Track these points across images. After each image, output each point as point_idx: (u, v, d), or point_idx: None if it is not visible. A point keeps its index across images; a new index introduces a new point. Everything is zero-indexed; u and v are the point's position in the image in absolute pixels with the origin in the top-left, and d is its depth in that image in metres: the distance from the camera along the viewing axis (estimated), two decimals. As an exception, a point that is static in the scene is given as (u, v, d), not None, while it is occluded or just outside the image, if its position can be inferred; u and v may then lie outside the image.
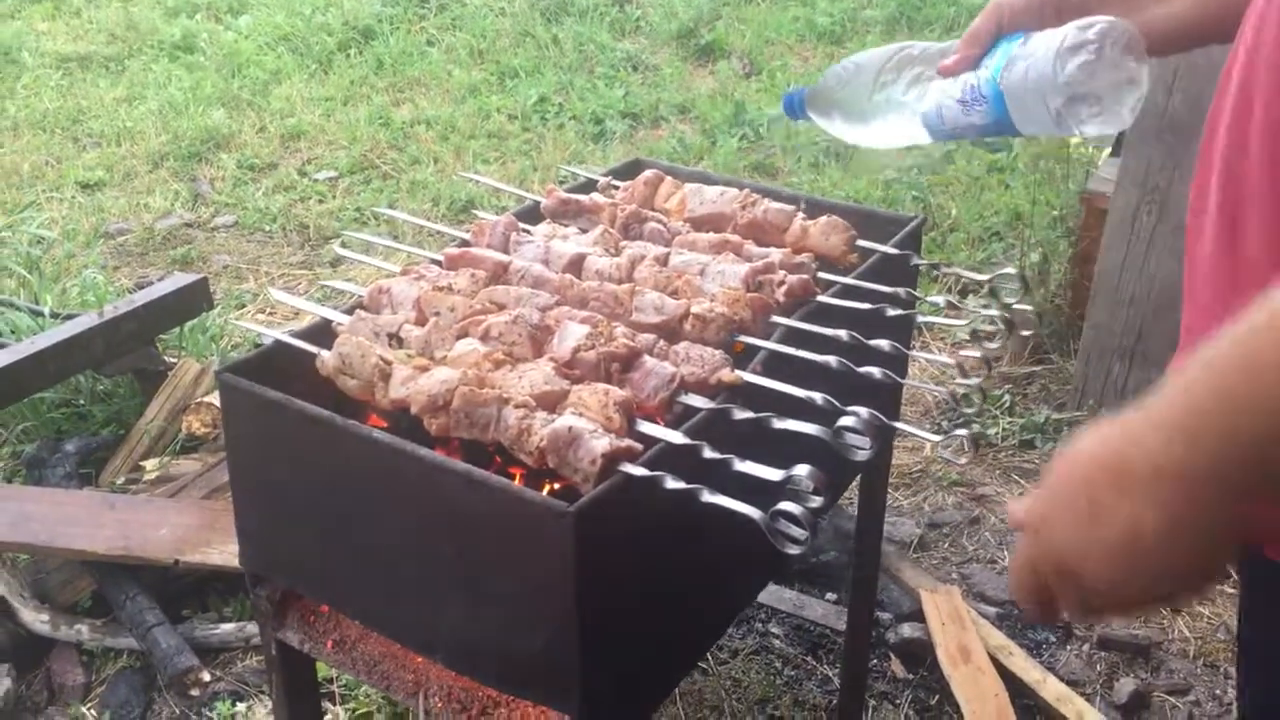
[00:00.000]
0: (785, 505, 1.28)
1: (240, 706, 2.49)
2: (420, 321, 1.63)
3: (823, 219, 1.89)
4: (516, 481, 1.57)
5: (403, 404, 1.49)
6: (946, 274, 1.85)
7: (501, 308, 1.65)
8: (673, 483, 1.32)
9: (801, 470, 1.32)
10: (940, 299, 1.71)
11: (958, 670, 2.49)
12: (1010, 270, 1.75)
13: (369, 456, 1.45)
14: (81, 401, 3.34)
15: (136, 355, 3.28)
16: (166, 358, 3.41)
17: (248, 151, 5.87)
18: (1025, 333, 1.66)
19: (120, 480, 3.11)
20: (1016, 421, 3.52)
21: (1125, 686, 2.59)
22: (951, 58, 1.50)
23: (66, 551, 2.72)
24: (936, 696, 2.55)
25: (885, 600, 2.78)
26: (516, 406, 1.42)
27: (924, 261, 1.88)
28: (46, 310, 3.42)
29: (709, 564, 1.58)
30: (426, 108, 6.39)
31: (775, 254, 1.80)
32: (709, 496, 1.31)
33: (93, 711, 2.57)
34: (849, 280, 1.78)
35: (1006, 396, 3.61)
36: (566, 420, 1.40)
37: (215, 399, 3.18)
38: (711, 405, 1.47)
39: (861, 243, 1.88)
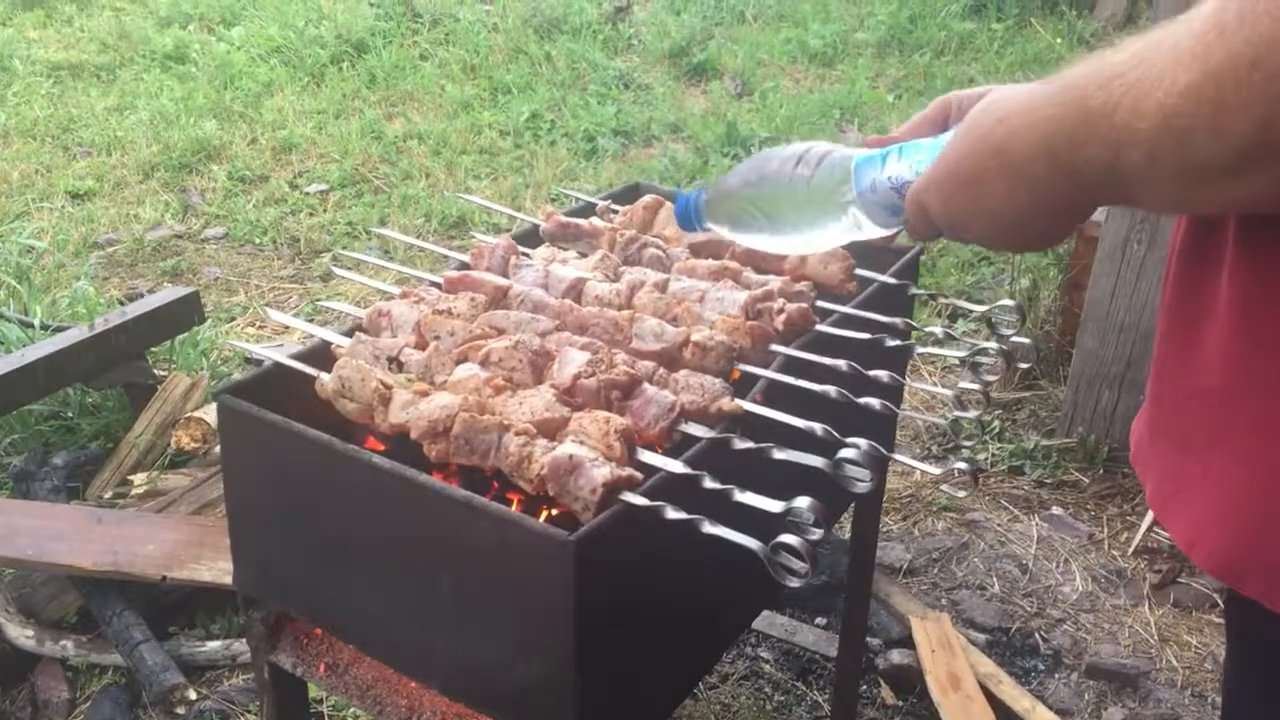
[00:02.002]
0: (786, 538, 1.27)
1: (228, 727, 2.48)
2: (420, 345, 1.63)
3: (821, 247, 1.89)
4: (514, 508, 1.57)
5: (402, 429, 1.49)
6: (943, 303, 1.86)
7: (501, 332, 1.65)
8: (673, 513, 1.32)
9: (802, 502, 1.32)
10: (939, 329, 1.72)
11: (947, 698, 2.49)
12: (1008, 302, 1.76)
13: (367, 481, 1.44)
14: (70, 414, 3.33)
15: (126, 368, 3.27)
16: (157, 371, 3.39)
17: (239, 163, 5.86)
18: (1023, 365, 1.65)
19: (108, 494, 3.09)
20: (1006, 447, 3.53)
21: (1113, 716, 2.59)
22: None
23: (53, 566, 2.70)
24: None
25: (875, 626, 2.78)
26: (517, 433, 1.42)
27: (922, 291, 1.89)
28: (36, 322, 3.41)
29: (706, 592, 1.58)
30: (419, 122, 6.39)
31: (774, 282, 1.81)
32: (710, 528, 1.31)
33: (77, 728, 2.55)
34: (848, 309, 1.79)
35: (996, 422, 3.62)
36: (567, 448, 1.39)
37: (205, 414, 3.17)
38: (712, 434, 1.48)
39: (860, 271, 1.89)
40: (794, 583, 1.29)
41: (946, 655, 2.60)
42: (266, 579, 1.67)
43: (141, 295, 4.53)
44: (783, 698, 2.61)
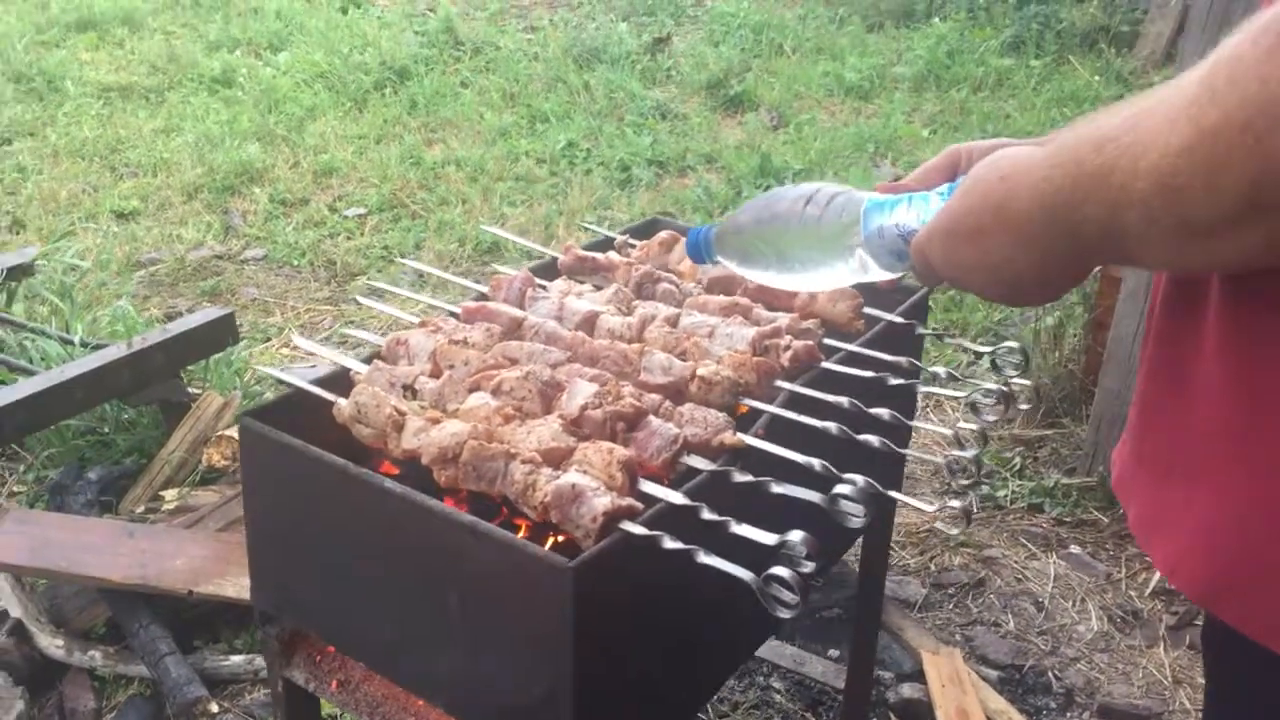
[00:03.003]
0: (777, 570, 1.31)
1: (245, 741, 2.53)
2: (435, 373, 1.69)
3: (831, 286, 1.93)
4: (522, 533, 1.61)
5: (414, 454, 1.54)
6: (954, 344, 1.89)
7: (514, 363, 1.70)
8: (670, 543, 1.36)
9: (795, 536, 1.36)
10: (941, 369, 1.75)
11: (955, 733, 2.51)
12: (1013, 344, 1.79)
13: (379, 505, 1.50)
14: (106, 430, 3.42)
15: (162, 386, 3.35)
16: (191, 390, 3.47)
17: (280, 186, 5.98)
18: (1023, 406, 1.68)
19: (140, 509, 3.17)
20: (1026, 484, 3.54)
21: (1123, 756, 2.60)
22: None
23: (84, 578, 2.77)
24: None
25: (886, 659, 2.80)
26: (523, 462, 1.47)
27: (928, 331, 1.92)
28: (76, 339, 3.50)
29: (706, 621, 1.62)
30: (457, 148, 6.49)
31: (783, 319, 1.85)
32: (704, 558, 1.35)
33: (102, 738, 2.62)
34: (853, 347, 1.82)
35: (1017, 459, 3.63)
36: (570, 477, 1.44)
37: (236, 432, 3.24)
38: (712, 467, 1.52)
39: (868, 310, 1.93)
40: (784, 614, 1.33)
41: (956, 691, 2.62)
42: (282, 596, 1.73)
43: (180, 314, 4.65)
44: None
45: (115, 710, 2.70)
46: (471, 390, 1.64)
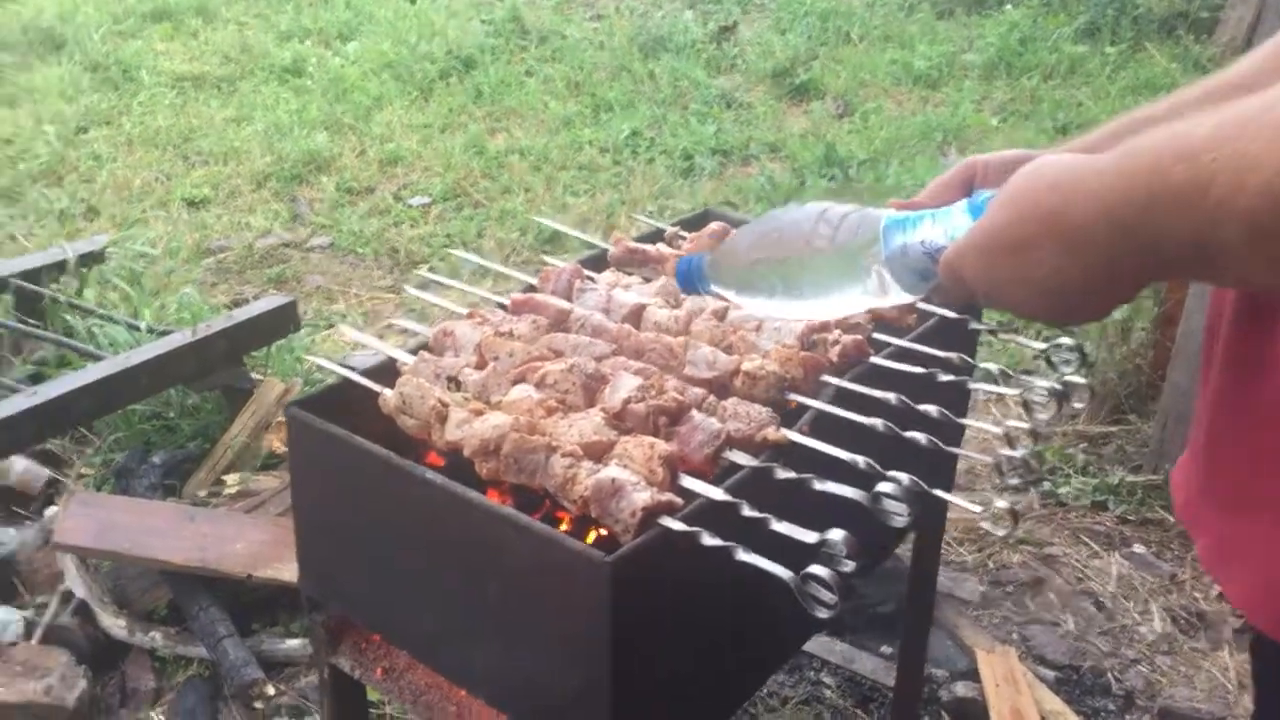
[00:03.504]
0: (815, 569, 1.30)
1: (296, 724, 2.57)
2: (481, 365, 1.69)
3: (883, 280, 1.90)
4: (564, 526, 1.62)
5: (456, 446, 1.54)
6: (1007, 339, 1.86)
7: (559, 355, 1.70)
8: (709, 539, 1.35)
9: (835, 535, 1.34)
10: (994, 366, 1.72)
11: (1009, 734, 2.47)
12: (1068, 341, 1.75)
13: (420, 496, 1.50)
14: (172, 414, 3.48)
15: (225, 373, 3.41)
16: (254, 376, 3.53)
17: (347, 175, 6.04)
18: (1078, 405, 1.64)
19: (203, 493, 3.22)
20: (1089, 481, 3.47)
21: (1183, 761, 2.54)
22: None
23: (147, 561, 2.83)
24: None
25: (940, 657, 2.77)
26: (563, 455, 1.47)
27: (983, 326, 1.89)
28: (143, 325, 3.57)
29: (745, 618, 1.60)
30: (521, 138, 6.52)
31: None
32: (743, 555, 1.34)
33: (161, 717, 2.67)
34: (903, 342, 1.80)
35: (1080, 455, 3.56)
36: (610, 471, 1.44)
37: (296, 419, 3.29)
38: (755, 463, 1.50)
39: (921, 304, 1.90)
40: (823, 614, 1.31)
41: (1011, 690, 2.58)
42: (328, 584, 1.75)
43: (246, 301, 4.73)
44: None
45: (174, 690, 2.75)
46: (515, 382, 1.64)
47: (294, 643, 2.84)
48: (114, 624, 2.82)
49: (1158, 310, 3.75)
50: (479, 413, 1.55)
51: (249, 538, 2.92)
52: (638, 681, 1.44)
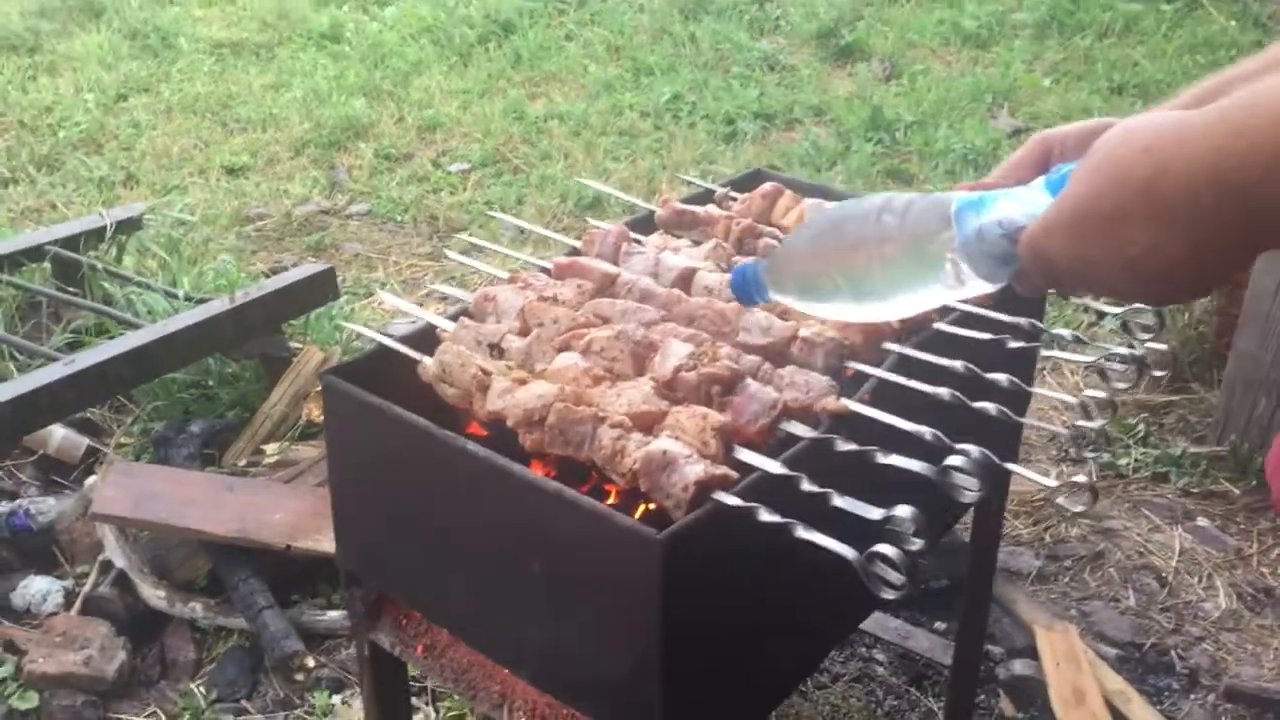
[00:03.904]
0: (882, 548, 1.22)
1: (336, 699, 2.52)
2: (524, 331, 1.61)
3: (946, 241, 1.81)
4: (612, 498, 1.54)
5: (499, 416, 1.47)
6: (1078, 304, 1.76)
7: (605, 321, 1.62)
8: (767, 515, 1.27)
9: (903, 511, 1.26)
10: (1067, 332, 1.62)
11: (1070, 714, 2.39)
12: (1143, 305, 1.65)
13: (462, 468, 1.43)
14: (210, 383, 3.44)
15: (264, 341, 3.36)
16: (292, 344, 3.48)
17: (385, 141, 5.98)
18: (1158, 373, 1.55)
19: (242, 462, 3.18)
20: (1150, 453, 3.36)
21: (1253, 744, 2.45)
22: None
23: (186, 531, 2.79)
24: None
25: (997, 634, 2.68)
26: (611, 426, 1.39)
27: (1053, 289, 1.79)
28: (181, 293, 3.53)
29: (802, 597, 1.53)
30: (561, 103, 6.42)
31: (892, 276, 1.73)
32: (803, 533, 1.26)
33: (201, 689, 2.64)
34: (969, 307, 1.70)
35: (1141, 426, 3.44)
36: (661, 443, 1.36)
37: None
38: (813, 434, 1.42)
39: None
40: (889, 595, 1.23)
41: (1072, 669, 2.49)
42: (366, 558, 1.69)
43: (285, 269, 4.68)
44: (895, 702, 2.54)
45: (214, 662, 2.72)
46: (560, 350, 1.56)
47: (334, 614, 2.79)
48: (153, 594, 2.79)
49: (1221, 275, 3.61)
50: (522, 381, 1.48)
51: (288, 508, 2.87)
52: (689, 663, 1.37)
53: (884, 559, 1.22)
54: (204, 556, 2.86)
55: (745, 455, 1.39)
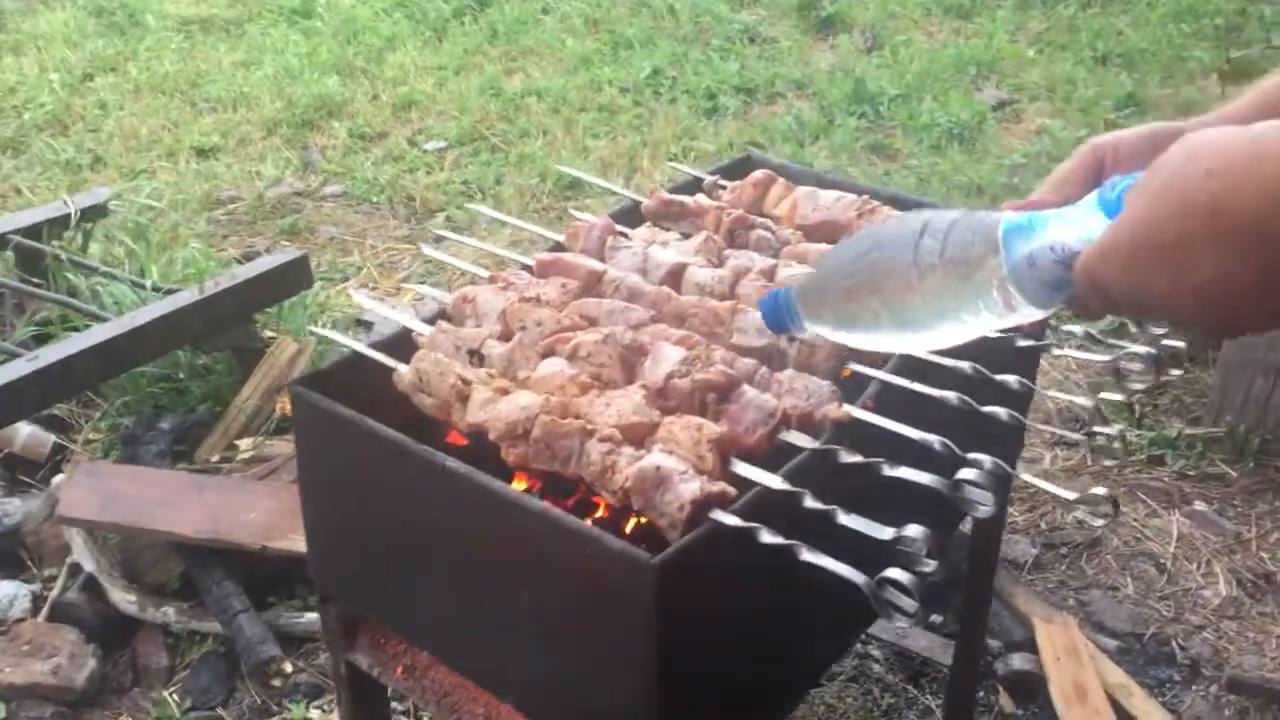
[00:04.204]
0: (894, 573, 1.14)
1: (314, 714, 2.43)
2: (505, 335, 1.52)
3: (947, 231, 1.72)
4: (600, 512, 1.46)
5: (480, 429, 1.38)
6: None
7: (592, 323, 1.53)
8: (769, 536, 1.19)
9: (914, 531, 1.18)
10: (1078, 328, 1.54)
11: (1072, 712, 2.32)
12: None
13: (441, 486, 1.35)
14: (181, 376, 3.33)
15: (236, 332, 3.25)
16: (266, 334, 3.37)
17: (359, 120, 5.84)
18: (1175, 371, 1.46)
19: (214, 458, 3.08)
20: (1146, 434, 3.29)
21: (1257, 738, 2.39)
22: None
23: (156, 533, 2.70)
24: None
25: (995, 627, 2.61)
26: (601, 440, 1.31)
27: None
28: (149, 283, 3.41)
29: (803, 615, 1.44)
30: (538, 78, 6.29)
31: (893, 270, 1.65)
32: (809, 555, 1.18)
33: (175, 697, 2.55)
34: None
35: (1136, 406, 3.37)
36: (654, 459, 1.27)
37: (310, 380, 3.13)
38: (815, 445, 1.34)
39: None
40: (902, 622, 1.15)
41: (1073, 664, 2.42)
42: (340, 576, 1.60)
43: (258, 254, 4.56)
44: (892, 700, 2.47)
45: (188, 668, 2.63)
46: (544, 355, 1.47)
47: (312, 616, 2.70)
48: (124, 599, 2.69)
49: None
50: (504, 391, 1.39)
51: (262, 507, 2.78)
52: (686, 692, 1.29)
53: (896, 584, 1.14)
54: (176, 559, 2.76)
55: (743, 469, 1.31)
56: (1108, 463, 3.22)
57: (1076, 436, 1.43)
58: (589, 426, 1.32)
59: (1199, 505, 3.07)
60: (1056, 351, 1.53)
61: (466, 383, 1.40)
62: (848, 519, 1.22)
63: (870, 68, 6.30)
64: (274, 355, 3.25)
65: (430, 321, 1.57)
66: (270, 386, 3.21)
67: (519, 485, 1.52)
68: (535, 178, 5.17)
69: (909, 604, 1.13)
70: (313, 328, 1.64)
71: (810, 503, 1.24)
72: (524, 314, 1.52)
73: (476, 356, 1.48)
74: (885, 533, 1.19)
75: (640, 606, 1.20)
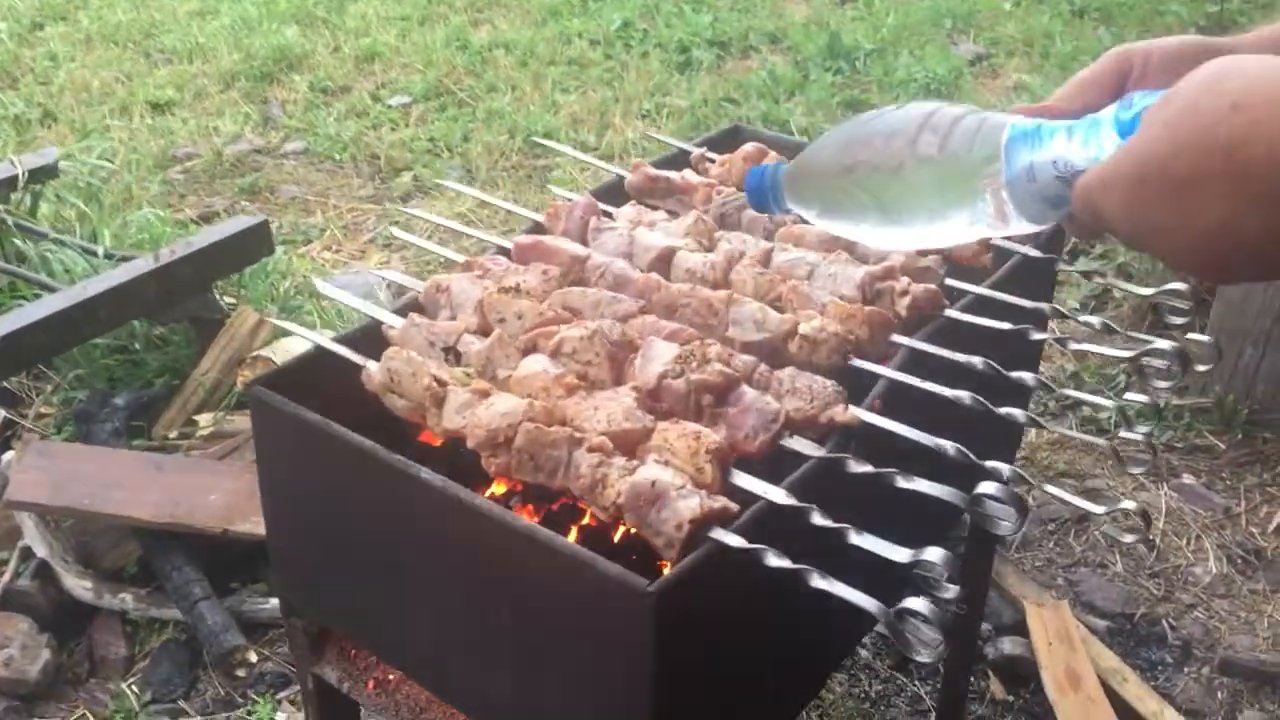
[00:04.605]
0: (914, 603, 1.04)
1: (280, 716, 2.33)
2: (483, 329, 1.41)
3: (952, 211, 1.62)
4: (588, 518, 1.36)
5: (458, 434, 1.27)
6: (1099, 283, 1.58)
7: (576, 314, 1.42)
8: (776, 560, 1.09)
9: (934, 555, 1.08)
10: (1096, 320, 1.45)
11: (1065, 699, 2.26)
12: (1178, 286, 1.48)
13: (416, 499, 1.24)
14: (137, 347, 3.19)
15: (193, 302, 3.11)
16: (225, 304, 3.23)
17: (321, 73, 5.65)
18: (1202, 368, 1.38)
19: (173, 434, 2.96)
20: (1132, 405, 3.21)
21: (1251, 721, 2.34)
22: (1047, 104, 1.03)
23: (111, 517, 2.57)
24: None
25: (984, 609, 2.54)
26: (590, 450, 1.20)
27: (1074, 268, 1.61)
28: (101, 250, 3.26)
29: (803, 631, 1.35)
30: (506, 30, 6.11)
31: (895, 255, 1.54)
32: (820, 581, 1.08)
33: (134, 688, 2.44)
34: (982, 290, 1.52)
35: (1120, 376, 3.30)
36: (649, 472, 1.17)
37: (273, 352, 3.00)
38: (821, 453, 1.24)
39: (996, 240, 1.61)
40: (925, 657, 1.06)
41: (1065, 649, 2.36)
42: (306, 589, 1.49)
43: (217, 215, 4.40)
44: (881, 688, 2.40)
45: (148, 657, 2.52)
46: (526, 351, 1.36)
47: (277, 602, 2.59)
48: (78, 585, 2.57)
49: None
50: (484, 394, 1.28)
51: (223, 487, 2.66)
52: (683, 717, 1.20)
53: (917, 615, 1.04)
54: (133, 542, 2.64)
55: (744, 480, 1.21)
56: (1094, 434, 3.15)
57: (1101, 442, 1.34)
58: (576, 435, 1.21)
59: (1187, 478, 3.01)
60: (1073, 346, 1.44)
61: (442, 384, 1.29)
62: (860, 538, 1.12)
63: (845, 20, 6.17)
64: (234, 326, 3.11)
65: (401, 313, 1.45)
66: (230, 359, 3.07)
67: (499, 488, 1.43)
68: (504, 134, 5.01)
69: (931, 636, 1.04)
70: (277, 320, 1.54)
71: (819, 519, 1.14)
72: (503, 305, 1.41)
73: (452, 353, 1.37)
74: (901, 554, 1.10)
75: (637, 637, 1.10)
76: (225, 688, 2.45)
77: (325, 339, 1.41)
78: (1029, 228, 0.98)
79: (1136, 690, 2.33)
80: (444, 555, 1.26)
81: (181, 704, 2.43)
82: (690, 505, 1.14)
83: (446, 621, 1.31)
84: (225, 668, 2.46)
